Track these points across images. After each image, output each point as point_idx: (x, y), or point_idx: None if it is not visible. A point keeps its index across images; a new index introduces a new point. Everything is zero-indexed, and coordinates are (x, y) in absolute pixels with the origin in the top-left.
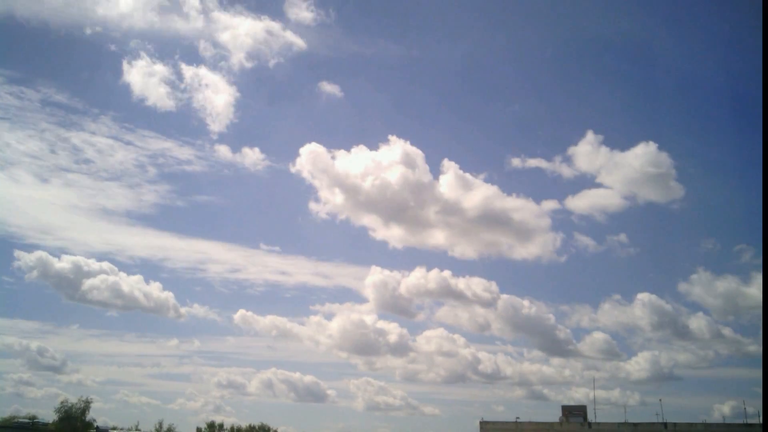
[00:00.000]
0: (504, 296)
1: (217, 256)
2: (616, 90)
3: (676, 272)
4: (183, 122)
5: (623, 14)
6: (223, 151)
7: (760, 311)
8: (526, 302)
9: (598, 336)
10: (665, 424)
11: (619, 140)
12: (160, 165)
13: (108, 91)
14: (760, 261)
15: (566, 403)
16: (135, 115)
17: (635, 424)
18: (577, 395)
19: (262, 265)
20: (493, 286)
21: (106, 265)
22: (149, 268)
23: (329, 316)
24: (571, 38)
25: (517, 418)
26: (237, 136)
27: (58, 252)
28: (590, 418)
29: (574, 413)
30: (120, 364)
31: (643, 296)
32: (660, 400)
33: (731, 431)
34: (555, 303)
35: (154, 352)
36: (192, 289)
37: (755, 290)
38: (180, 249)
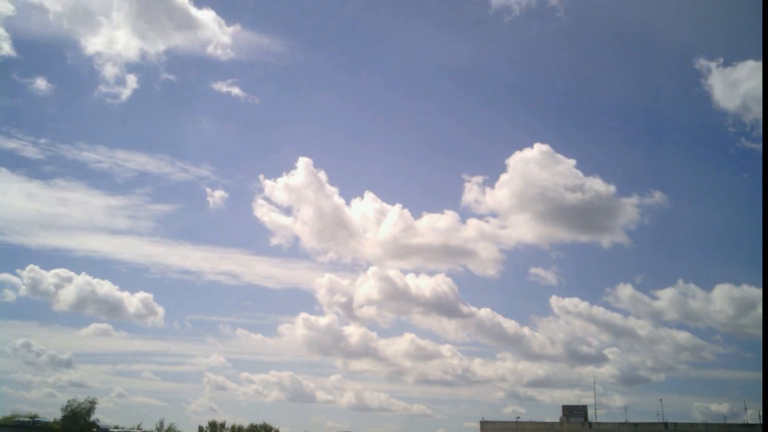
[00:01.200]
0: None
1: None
2: None
3: None
4: None
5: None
6: None
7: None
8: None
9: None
10: (666, 424)
11: None
12: None
13: None
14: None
15: (567, 403)
16: None
17: (636, 424)
18: (577, 396)
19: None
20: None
21: None
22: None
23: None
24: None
25: (518, 417)
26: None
27: None
28: (590, 418)
29: (575, 413)
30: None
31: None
32: (661, 400)
33: (732, 431)
34: None
35: (156, 350)
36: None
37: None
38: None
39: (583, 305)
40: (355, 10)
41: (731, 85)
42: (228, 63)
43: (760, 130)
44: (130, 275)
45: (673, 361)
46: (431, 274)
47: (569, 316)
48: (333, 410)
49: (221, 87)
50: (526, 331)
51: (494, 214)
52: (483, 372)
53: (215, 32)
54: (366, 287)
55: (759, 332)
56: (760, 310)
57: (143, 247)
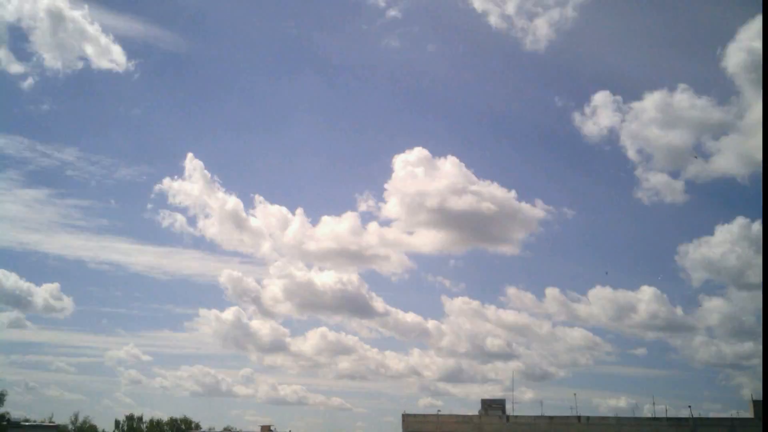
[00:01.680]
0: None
1: None
2: None
3: None
4: None
5: None
6: None
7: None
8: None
9: None
10: (579, 418)
11: None
12: None
13: None
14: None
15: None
16: None
17: (551, 418)
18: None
19: None
20: None
21: None
22: None
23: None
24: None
25: (439, 410)
26: None
27: None
28: (509, 411)
29: (494, 407)
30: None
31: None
32: (575, 394)
33: (641, 424)
34: None
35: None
36: None
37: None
38: None
39: (483, 305)
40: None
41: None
42: None
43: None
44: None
45: (572, 358)
46: (337, 272)
47: (474, 316)
48: (251, 404)
49: None
50: (433, 328)
51: (390, 219)
52: (396, 367)
53: None
54: (274, 283)
55: (643, 332)
56: (641, 310)
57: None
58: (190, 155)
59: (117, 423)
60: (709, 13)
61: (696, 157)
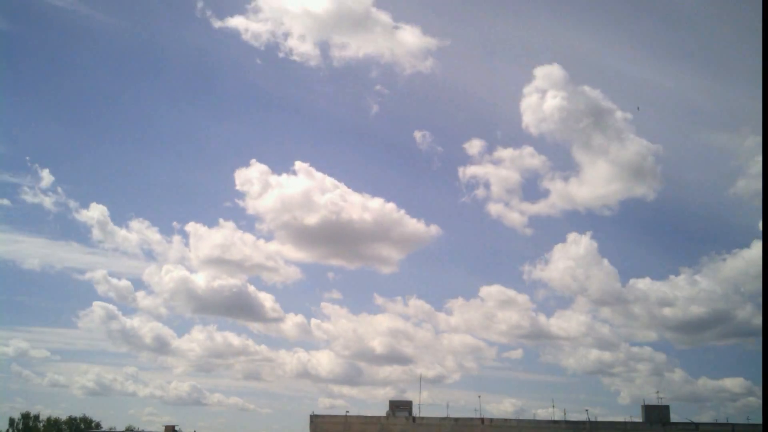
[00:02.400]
0: None
1: None
2: None
3: None
4: None
5: None
6: None
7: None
8: None
9: None
10: (482, 420)
11: None
12: None
13: None
14: None
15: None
16: None
17: (456, 419)
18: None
19: None
20: None
21: None
22: None
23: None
24: None
25: (347, 411)
26: None
27: None
28: (415, 413)
29: (401, 408)
30: None
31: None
32: (479, 396)
33: (541, 427)
34: None
35: None
36: None
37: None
38: None
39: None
40: None
41: None
42: None
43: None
44: None
45: (460, 362)
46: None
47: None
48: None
49: None
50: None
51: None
52: (290, 367)
53: None
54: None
55: (523, 340)
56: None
57: None
58: None
59: (12, 421)
60: None
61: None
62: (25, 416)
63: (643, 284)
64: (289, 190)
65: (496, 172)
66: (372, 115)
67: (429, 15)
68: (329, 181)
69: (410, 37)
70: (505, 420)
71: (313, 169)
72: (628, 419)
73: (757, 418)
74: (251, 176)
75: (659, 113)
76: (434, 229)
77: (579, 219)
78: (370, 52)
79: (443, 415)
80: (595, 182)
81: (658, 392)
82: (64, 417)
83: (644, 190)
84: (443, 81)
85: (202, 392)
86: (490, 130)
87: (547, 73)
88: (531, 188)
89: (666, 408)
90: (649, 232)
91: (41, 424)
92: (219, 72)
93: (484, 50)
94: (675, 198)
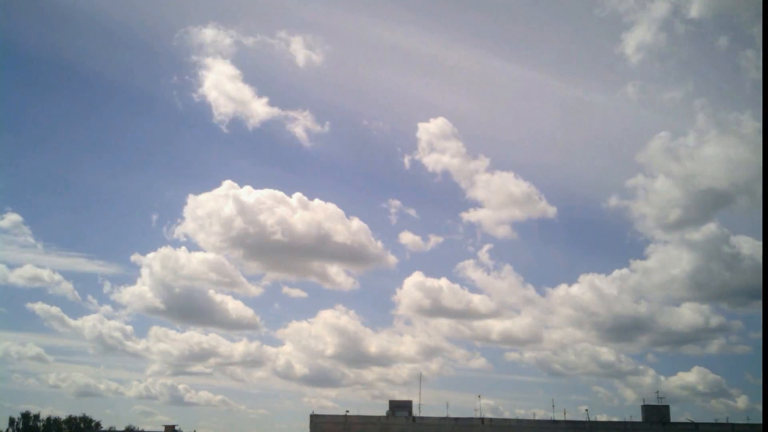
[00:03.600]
0: None
1: None
2: None
3: None
4: None
5: None
6: None
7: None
8: None
9: None
10: (482, 420)
11: None
12: None
13: None
14: None
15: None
16: None
17: (456, 419)
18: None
19: None
20: None
21: None
22: None
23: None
24: None
25: (347, 411)
26: None
27: None
28: (415, 413)
29: (401, 407)
30: None
31: None
32: (479, 396)
33: (541, 427)
34: None
35: None
36: None
37: None
38: None
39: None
40: None
41: None
42: None
43: None
44: None
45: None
46: None
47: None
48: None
49: None
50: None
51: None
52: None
53: None
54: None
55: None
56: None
57: None
58: None
59: (12, 420)
60: None
61: None
62: (25, 416)
63: None
64: None
65: None
66: None
67: None
68: None
69: None
70: (505, 420)
71: None
72: (627, 419)
73: (757, 418)
74: None
75: None
76: None
77: None
78: None
79: (443, 414)
80: None
81: (658, 392)
82: (63, 417)
83: None
84: None
85: (203, 393)
86: None
87: None
88: None
89: (666, 408)
90: None
91: (41, 424)
92: None
93: None
94: None
